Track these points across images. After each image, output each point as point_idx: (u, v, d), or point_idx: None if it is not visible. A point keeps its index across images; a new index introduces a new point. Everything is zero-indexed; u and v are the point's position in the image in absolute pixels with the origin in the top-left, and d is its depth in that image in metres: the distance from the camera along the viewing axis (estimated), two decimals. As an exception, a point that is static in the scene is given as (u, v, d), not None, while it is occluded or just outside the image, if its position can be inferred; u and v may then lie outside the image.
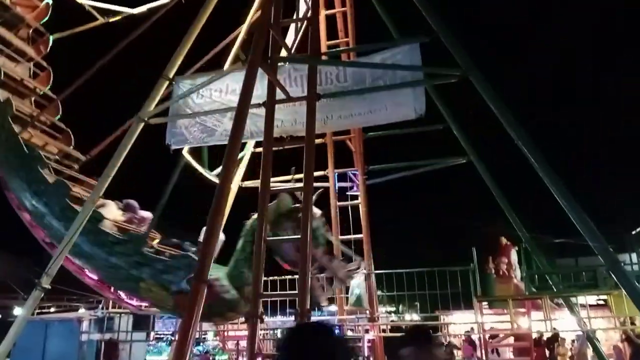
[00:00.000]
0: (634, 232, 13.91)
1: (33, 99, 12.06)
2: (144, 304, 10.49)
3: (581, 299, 12.37)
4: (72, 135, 12.10)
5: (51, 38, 12.77)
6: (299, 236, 6.22)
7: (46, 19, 12.66)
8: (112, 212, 10.47)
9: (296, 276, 9.12)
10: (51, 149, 11.57)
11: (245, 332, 11.04)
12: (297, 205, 8.51)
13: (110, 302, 14.03)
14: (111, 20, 13.49)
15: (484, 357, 12.23)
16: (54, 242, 10.00)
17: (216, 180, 9.61)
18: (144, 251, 9.58)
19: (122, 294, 10.42)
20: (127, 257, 9.55)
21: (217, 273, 9.10)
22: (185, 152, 10.98)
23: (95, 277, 10.22)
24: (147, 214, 10.77)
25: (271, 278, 12.58)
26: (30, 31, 12.42)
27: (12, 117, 10.85)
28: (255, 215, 8.66)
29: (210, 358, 22.92)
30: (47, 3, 12.61)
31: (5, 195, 11.05)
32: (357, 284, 13.36)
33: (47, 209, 10.10)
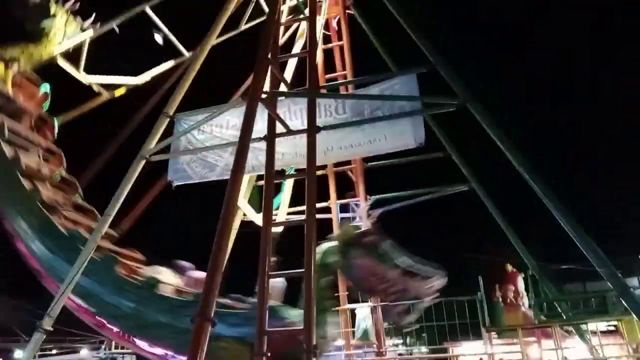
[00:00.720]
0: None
1: (49, 183, 11.85)
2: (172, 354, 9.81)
3: (591, 326, 12.13)
4: (97, 213, 11.84)
5: (56, 123, 12.72)
6: (302, 270, 6.12)
7: (47, 104, 12.64)
8: (169, 278, 10.25)
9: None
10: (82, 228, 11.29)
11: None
12: (362, 230, 8.42)
13: (113, 342, 13.82)
14: (117, 94, 13.65)
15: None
16: (99, 314, 9.94)
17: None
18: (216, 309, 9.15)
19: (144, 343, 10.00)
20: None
21: (292, 313, 8.68)
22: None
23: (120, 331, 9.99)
24: (201, 274, 10.33)
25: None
26: (33, 119, 12.33)
27: (40, 202, 10.73)
28: (321, 247, 8.52)
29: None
30: (45, 92, 12.61)
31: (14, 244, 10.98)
32: (364, 317, 13.16)
33: (99, 286, 9.86)
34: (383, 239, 8.31)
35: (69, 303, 10.25)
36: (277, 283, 10.25)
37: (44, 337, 8.77)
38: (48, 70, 12.79)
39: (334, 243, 8.66)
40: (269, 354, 5.75)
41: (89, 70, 13.07)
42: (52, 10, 12.27)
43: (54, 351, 20.71)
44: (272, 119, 7.24)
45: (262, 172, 8.12)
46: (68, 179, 12.13)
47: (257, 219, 11.03)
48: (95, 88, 13.31)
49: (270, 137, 7.11)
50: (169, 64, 13.86)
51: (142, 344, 9.95)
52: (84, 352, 16.98)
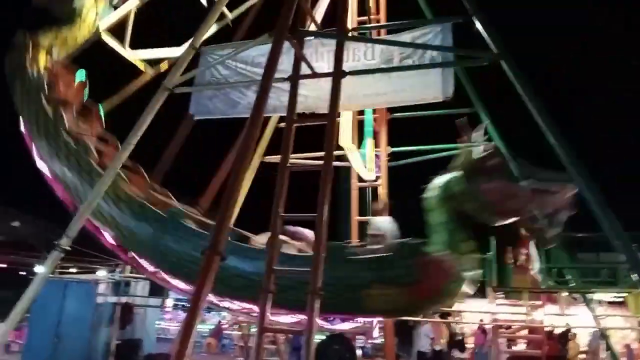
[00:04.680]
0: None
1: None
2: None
3: (598, 296, 12.18)
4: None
5: (102, 109, 11.79)
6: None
7: (87, 91, 11.66)
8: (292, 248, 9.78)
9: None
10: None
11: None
12: (483, 155, 8.14)
13: (128, 267, 14.32)
14: (162, 69, 12.37)
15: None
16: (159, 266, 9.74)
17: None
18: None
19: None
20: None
21: (437, 247, 8.30)
22: None
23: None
24: (308, 233, 9.87)
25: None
26: (75, 109, 11.36)
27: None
28: (440, 179, 8.34)
29: (223, 328, 23.37)
30: (81, 81, 11.62)
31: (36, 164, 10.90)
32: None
33: (170, 236, 9.54)
34: (505, 160, 7.99)
35: (94, 229, 10.40)
36: (386, 223, 10.00)
37: (62, 255, 9.07)
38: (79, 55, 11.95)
39: (456, 172, 8.37)
40: (274, 291, 5.83)
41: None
42: None
43: (72, 269, 21.66)
44: (298, 59, 7.08)
45: (283, 114, 8.03)
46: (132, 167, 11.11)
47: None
48: (141, 66, 12.33)
49: (295, 78, 6.97)
50: (214, 28, 12.16)
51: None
52: (101, 273, 17.65)
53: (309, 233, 9.62)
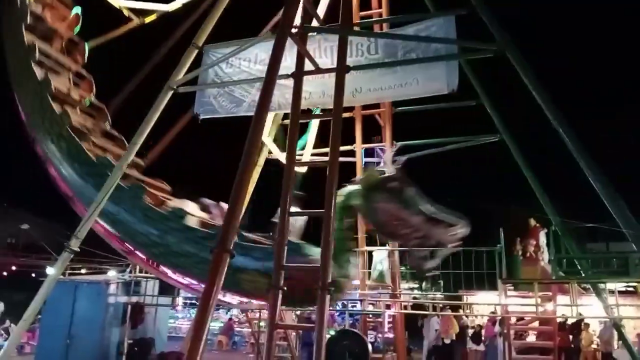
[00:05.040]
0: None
1: (79, 108, 11.78)
2: (195, 282, 10.16)
3: (610, 285, 12.08)
4: (125, 141, 11.81)
5: (87, 46, 12.45)
6: (321, 210, 6.13)
7: (78, 28, 12.36)
8: (195, 211, 10.48)
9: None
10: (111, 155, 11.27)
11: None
12: (387, 175, 8.37)
13: (137, 266, 14.38)
14: (147, 20, 13.19)
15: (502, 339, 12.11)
16: (126, 240, 10.33)
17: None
18: (243, 243, 9.31)
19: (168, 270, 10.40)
20: None
21: (314, 250, 8.92)
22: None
23: (143, 256, 10.39)
24: (223, 205, 10.59)
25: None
26: (64, 42, 12.11)
27: (70, 126, 10.75)
28: (344, 189, 8.59)
29: (234, 324, 23.45)
30: (77, 14, 12.27)
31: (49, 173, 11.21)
32: (380, 259, 13.33)
33: (127, 214, 10.13)
34: (408, 185, 8.26)
35: (99, 229, 10.60)
36: (299, 221, 10.40)
37: (71, 256, 9.16)
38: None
39: (358, 186, 8.65)
40: (284, 288, 5.84)
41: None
42: None
43: (83, 270, 21.78)
44: (301, 55, 7.05)
45: (288, 111, 8.02)
46: (97, 105, 12.14)
47: (282, 157, 11.06)
48: (126, 13, 12.94)
49: (298, 75, 6.94)
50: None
51: (166, 270, 10.30)
52: (111, 273, 17.73)
53: (222, 207, 10.48)
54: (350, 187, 8.73)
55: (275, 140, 12.66)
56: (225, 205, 10.62)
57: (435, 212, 8.07)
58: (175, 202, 10.60)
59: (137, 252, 10.46)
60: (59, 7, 12.19)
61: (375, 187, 8.37)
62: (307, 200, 9.79)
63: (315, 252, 8.97)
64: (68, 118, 10.82)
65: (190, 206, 10.60)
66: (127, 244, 10.45)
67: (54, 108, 10.78)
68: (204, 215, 10.59)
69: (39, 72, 10.98)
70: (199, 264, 9.44)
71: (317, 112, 10.39)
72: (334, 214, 5.86)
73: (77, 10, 12.32)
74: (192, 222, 10.06)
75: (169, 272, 10.35)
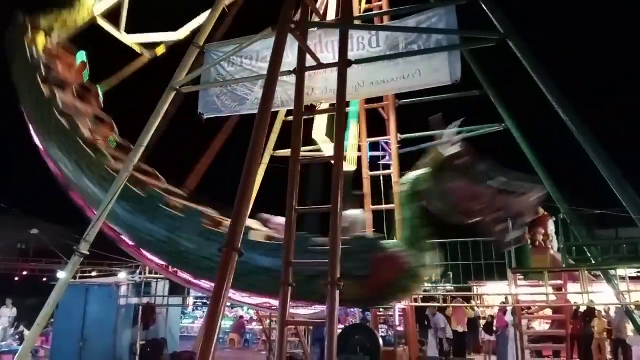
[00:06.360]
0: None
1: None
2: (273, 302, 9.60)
3: (620, 272, 12.01)
4: (159, 175, 11.53)
5: (100, 90, 12.07)
6: (326, 204, 6.11)
7: (87, 73, 11.97)
8: (257, 226, 10.21)
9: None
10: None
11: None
12: (452, 153, 8.13)
13: (147, 267, 14.46)
14: (158, 54, 12.78)
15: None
16: (189, 270, 9.99)
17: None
18: (312, 248, 8.88)
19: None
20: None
21: (391, 243, 8.64)
22: None
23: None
24: (280, 220, 10.10)
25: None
26: (75, 89, 11.74)
27: (109, 167, 10.34)
28: (409, 176, 8.41)
29: (245, 322, 23.55)
30: (83, 61, 11.94)
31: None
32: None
33: (185, 240, 9.73)
34: (477, 160, 7.99)
35: (112, 235, 10.54)
36: (358, 216, 10.15)
37: (81, 259, 9.20)
38: (81, 36, 12.22)
39: (424, 170, 8.43)
40: (293, 284, 5.85)
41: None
42: None
43: (93, 273, 21.93)
44: (303, 51, 7.04)
45: (292, 107, 8.03)
46: (124, 144, 11.64)
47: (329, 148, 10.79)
48: (137, 49, 12.51)
49: (300, 71, 6.93)
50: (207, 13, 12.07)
51: (234, 293, 9.96)
52: (121, 275, 17.86)
53: (280, 220, 9.83)
54: (415, 173, 8.51)
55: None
56: (278, 218, 10.26)
57: (508, 182, 7.76)
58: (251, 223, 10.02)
59: (200, 281, 10.25)
60: (65, 56, 11.91)
61: (443, 167, 8.11)
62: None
63: (392, 244, 8.73)
64: (106, 160, 10.48)
65: (251, 223, 10.11)
66: (185, 273, 10.22)
67: (90, 152, 10.43)
68: (265, 229, 10.23)
69: (65, 122, 10.64)
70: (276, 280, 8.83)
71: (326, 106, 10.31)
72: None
73: (81, 57, 11.96)
74: (258, 237, 9.72)
75: (238, 295, 10.00)
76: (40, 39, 11.54)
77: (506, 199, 7.87)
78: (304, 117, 6.99)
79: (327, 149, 11.28)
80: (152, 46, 12.79)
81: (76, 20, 11.85)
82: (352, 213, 10.03)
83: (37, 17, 11.51)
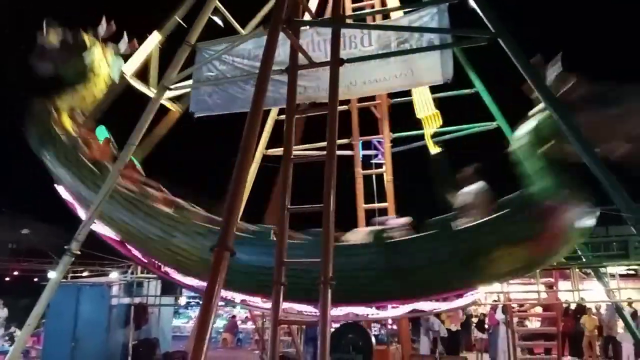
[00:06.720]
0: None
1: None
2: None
3: (610, 269, 12.12)
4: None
5: (137, 163, 11.18)
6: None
7: (114, 150, 11.02)
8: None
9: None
10: None
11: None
12: (568, 87, 7.37)
13: (139, 267, 14.39)
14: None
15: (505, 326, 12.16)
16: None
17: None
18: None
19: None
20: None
21: (547, 193, 7.54)
22: None
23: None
24: (396, 221, 9.68)
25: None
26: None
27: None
28: (529, 123, 7.77)
29: (238, 322, 23.53)
30: (106, 137, 11.15)
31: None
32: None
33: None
34: (593, 86, 7.14)
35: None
36: (482, 187, 9.13)
37: (72, 259, 9.16)
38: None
39: (543, 114, 7.73)
40: (286, 283, 5.84)
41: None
42: (87, 43, 10.62)
43: (85, 273, 21.82)
44: (294, 50, 7.03)
45: (283, 106, 8.02)
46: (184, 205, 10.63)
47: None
48: (168, 105, 11.58)
49: (292, 69, 6.91)
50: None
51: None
52: (113, 275, 17.78)
53: (396, 221, 9.48)
54: (534, 121, 7.84)
55: None
56: (393, 220, 9.82)
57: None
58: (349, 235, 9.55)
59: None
60: (89, 135, 11.03)
61: (565, 103, 7.24)
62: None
63: (545, 193, 7.56)
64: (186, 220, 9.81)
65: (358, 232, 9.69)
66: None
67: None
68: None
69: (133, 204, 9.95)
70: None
71: None
72: (333, 208, 5.75)
73: (102, 132, 11.19)
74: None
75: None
76: (66, 121, 10.76)
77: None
78: (297, 116, 6.99)
79: None
80: (180, 98, 11.64)
81: (94, 93, 11.04)
82: (473, 187, 9.09)
83: (55, 99, 10.75)
